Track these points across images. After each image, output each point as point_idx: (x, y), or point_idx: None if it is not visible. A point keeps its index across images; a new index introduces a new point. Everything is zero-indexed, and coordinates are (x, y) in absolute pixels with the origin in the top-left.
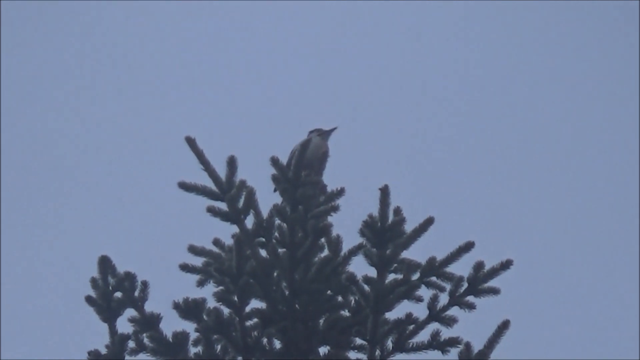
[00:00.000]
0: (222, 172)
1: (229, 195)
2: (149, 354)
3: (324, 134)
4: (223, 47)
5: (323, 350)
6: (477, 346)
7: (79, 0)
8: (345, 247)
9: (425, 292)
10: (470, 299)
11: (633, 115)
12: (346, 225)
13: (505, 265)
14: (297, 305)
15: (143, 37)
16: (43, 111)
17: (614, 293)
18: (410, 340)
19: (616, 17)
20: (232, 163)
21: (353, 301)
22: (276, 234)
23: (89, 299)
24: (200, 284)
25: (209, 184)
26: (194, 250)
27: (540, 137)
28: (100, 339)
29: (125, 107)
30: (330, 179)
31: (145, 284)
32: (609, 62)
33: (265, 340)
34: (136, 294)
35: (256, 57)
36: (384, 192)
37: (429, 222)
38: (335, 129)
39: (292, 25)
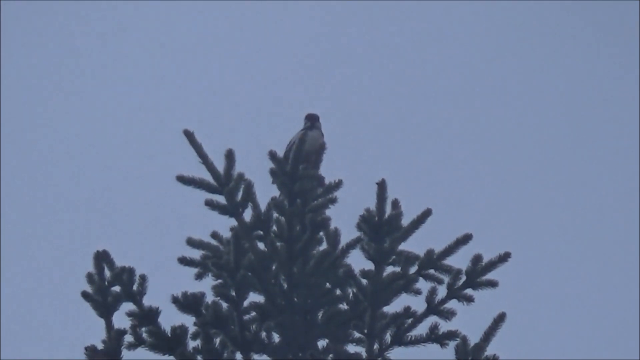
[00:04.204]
0: (220, 165)
1: (227, 188)
2: (147, 348)
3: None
4: (219, 41)
5: (321, 343)
6: (475, 339)
7: (79, 0)
8: (344, 240)
9: (423, 285)
10: (469, 291)
11: (633, 113)
12: (344, 216)
13: (504, 257)
14: (295, 299)
15: (142, 31)
16: (42, 103)
17: (612, 286)
18: (408, 334)
19: (616, 17)
20: (230, 156)
21: (351, 294)
22: (274, 227)
23: (85, 295)
24: (199, 276)
25: (207, 177)
26: (192, 242)
27: (538, 130)
28: (97, 334)
29: (124, 101)
30: (328, 171)
31: (143, 278)
32: (609, 62)
33: (263, 334)
34: (135, 287)
35: (252, 50)
36: (381, 186)
37: (427, 214)
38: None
39: (287, 18)
